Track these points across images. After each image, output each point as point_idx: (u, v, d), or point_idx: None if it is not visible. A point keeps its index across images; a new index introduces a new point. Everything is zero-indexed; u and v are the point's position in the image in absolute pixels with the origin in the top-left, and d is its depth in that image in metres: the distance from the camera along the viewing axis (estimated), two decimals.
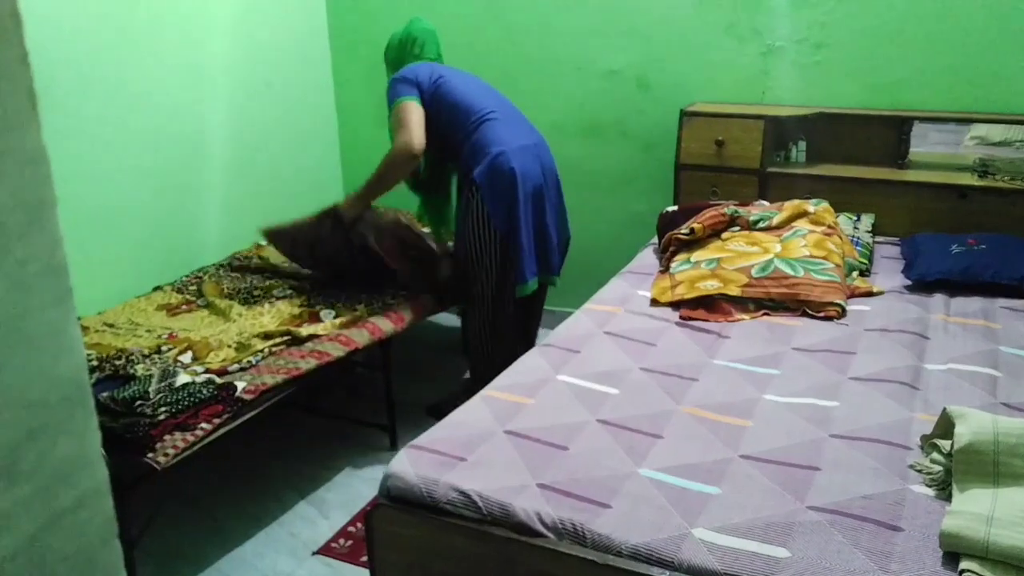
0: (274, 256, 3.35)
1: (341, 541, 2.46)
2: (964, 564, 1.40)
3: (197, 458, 2.12)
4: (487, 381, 2.18)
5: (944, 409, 1.70)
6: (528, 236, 2.92)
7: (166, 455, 2.01)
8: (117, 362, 2.39)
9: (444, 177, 3.20)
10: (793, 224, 2.84)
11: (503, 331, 3.01)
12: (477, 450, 1.79)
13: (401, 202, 3.23)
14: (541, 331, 3.60)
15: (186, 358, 2.45)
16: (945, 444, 1.65)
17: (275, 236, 3.09)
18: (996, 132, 3.07)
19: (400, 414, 2.96)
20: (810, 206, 2.89)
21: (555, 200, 3.08)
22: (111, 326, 2.72)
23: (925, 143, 3.17)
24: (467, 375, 3.24)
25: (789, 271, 2.57)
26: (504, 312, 2.98)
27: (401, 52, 3.12)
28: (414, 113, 2.86)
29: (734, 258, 2.68)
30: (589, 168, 3.66)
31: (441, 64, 3.12)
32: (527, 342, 3.21)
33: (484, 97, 2.99)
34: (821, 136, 3.27)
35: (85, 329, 2.65)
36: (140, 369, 2.32)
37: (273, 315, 2.80)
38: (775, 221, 2.86)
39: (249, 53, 3.51)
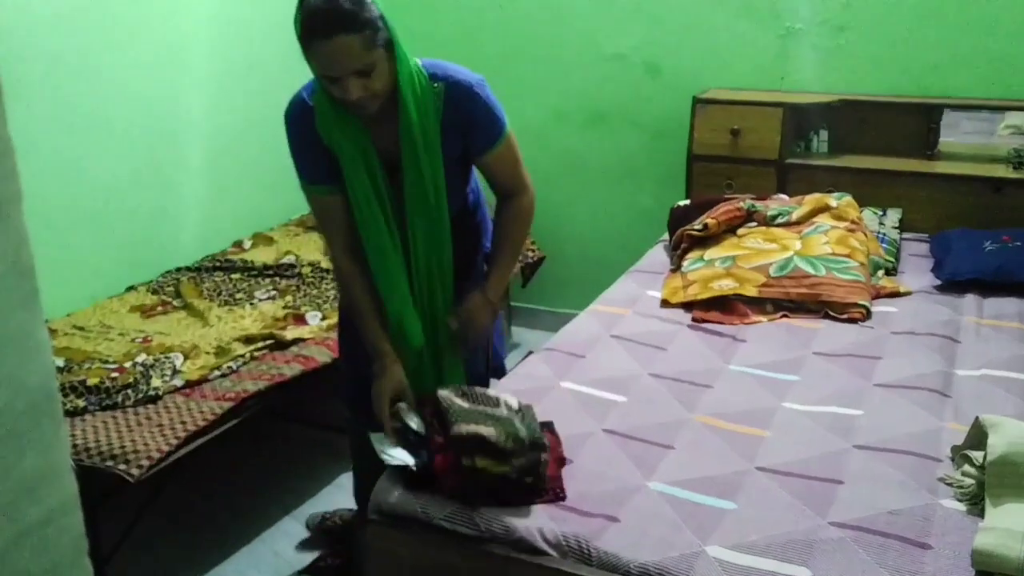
0: (256, 255, 3.34)
1: (328, 560, 2.46)
2: None
3: (174, 470, 2.12)
4: None
5: (976, 418, 1.70)
6: None
7: (140, 467, 2.01)
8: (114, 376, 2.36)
9: None
10: (814, 219, 2.84)
11: None
12: None
13: None
14: (543, 334, 3.60)
15: (178, 361, 2.46)
16: (978, 456, 1.65)
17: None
18: None
19: None
20: (832, 200, 2.89)
21: None
22: (81, 329, 2.72)
23: (956, 132, 3.18)
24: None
25: (810, 270, 2.57)
26: None
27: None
28: None
29: (751, 256, 2.68)
30: (593, 160, 3.66)
31: None
32: None
33: None
34: (844, 125, 3.27)
35: (53, 332, 2.65)
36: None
37: (255, 317, 2.80)
38: (795, 216, 2.86)
39: (229, 32, 3.49)
